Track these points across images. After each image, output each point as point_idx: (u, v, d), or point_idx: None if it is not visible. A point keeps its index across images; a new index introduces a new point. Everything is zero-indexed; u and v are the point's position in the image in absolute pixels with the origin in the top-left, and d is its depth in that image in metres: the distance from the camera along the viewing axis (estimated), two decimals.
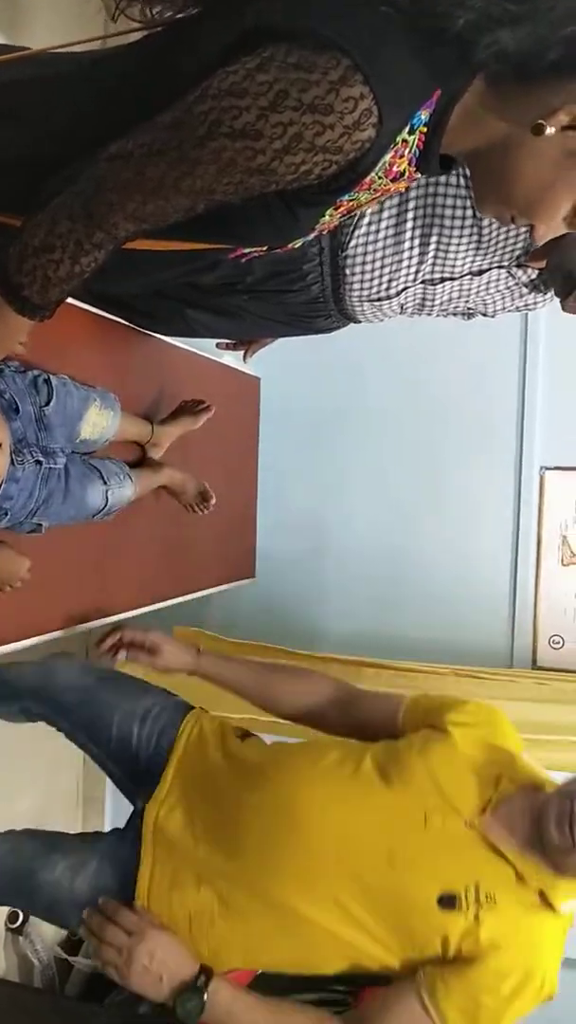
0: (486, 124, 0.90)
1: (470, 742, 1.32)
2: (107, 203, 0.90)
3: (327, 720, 1.47)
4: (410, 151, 0.93)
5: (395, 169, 0.95)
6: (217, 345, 2.04)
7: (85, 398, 1.47)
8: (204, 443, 2.07)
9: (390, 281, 1.56)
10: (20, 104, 1.01)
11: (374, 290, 1.58)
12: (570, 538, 2.63)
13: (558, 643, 2.63)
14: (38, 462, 1.32)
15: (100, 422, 1.52)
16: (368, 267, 1.54)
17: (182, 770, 1.42)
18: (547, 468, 2.64)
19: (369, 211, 1.47)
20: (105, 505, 1.51)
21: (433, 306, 1.63)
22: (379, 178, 0.94)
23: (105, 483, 1.50)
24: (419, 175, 0.99)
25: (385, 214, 1.49)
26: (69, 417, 1.42)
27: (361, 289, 1.58)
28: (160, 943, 1.24)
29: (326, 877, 1.22)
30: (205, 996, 1.19)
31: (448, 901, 1.19)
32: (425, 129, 0.91)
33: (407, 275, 1.55)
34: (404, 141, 0.91)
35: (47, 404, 1.35)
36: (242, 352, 2.01)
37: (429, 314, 1.67)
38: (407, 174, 0.97)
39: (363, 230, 1.51)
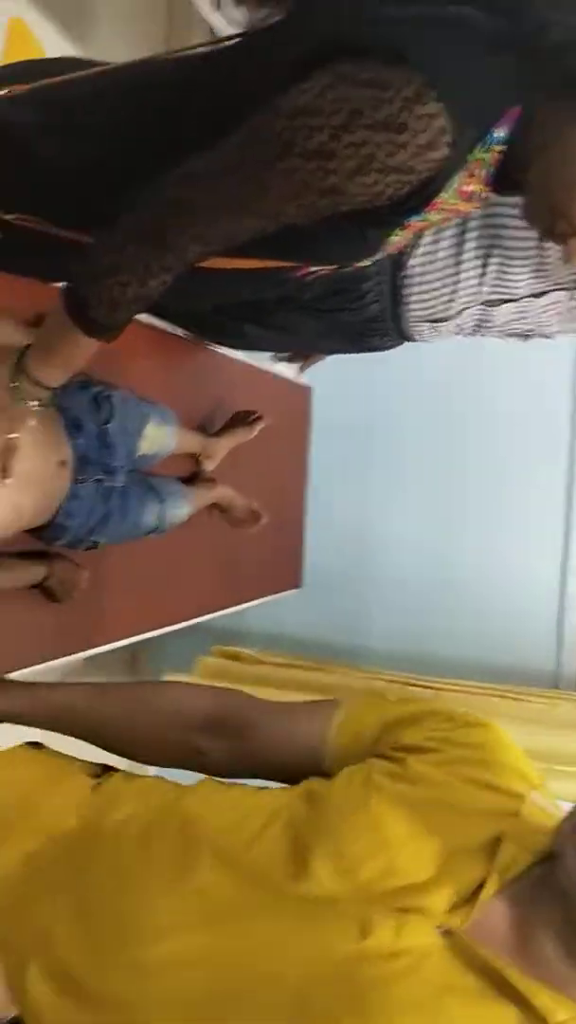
0: (561, 136, 0.86)
1: (444, 776, 0.79)
2: (176, 225, 0.89)
3: (211, 759, 0.92)
4: (484, 170, 0.91)
5: (467, 189, 0.93)
6: (272, 357, 2.04)
7: (144, 414, 1.48)
8: (255, 451, 2.07)
9: (449, 302, 1.55)
10: (78, 115, 1.01)
11: (433, 310, 1.58)
12: None
13: None
14: (98, 480, 1.33)
15: (158, 438, 1.53)
16: (428, 287, 1.54)
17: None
18: None
19: (430, 231, 1.47)
20: (160, 525, 1.52)
21: (491, 327, 1.62)
22: (451, 198, 0.93)
23: (162, 502, 1.51)
24: (492, 195, 0.97)
25: (446, 233, 1.48)
26: (128, 434, 1.43)
27: (420, 309, 1.57)
28: None
29: None
30: None
31: None
32: (501, 148, 0.89)
33: (467, 296, 1.54)
34: (479, 160, 0.89)
35: (108, 422, 1.36)
36: (296, 364, 2.01)
37: (486, 335, 1.66)
38: (481, 193, 0.96)
39: (423, 250, 1.50)
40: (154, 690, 1.02)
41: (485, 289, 1.52)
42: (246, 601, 2.26)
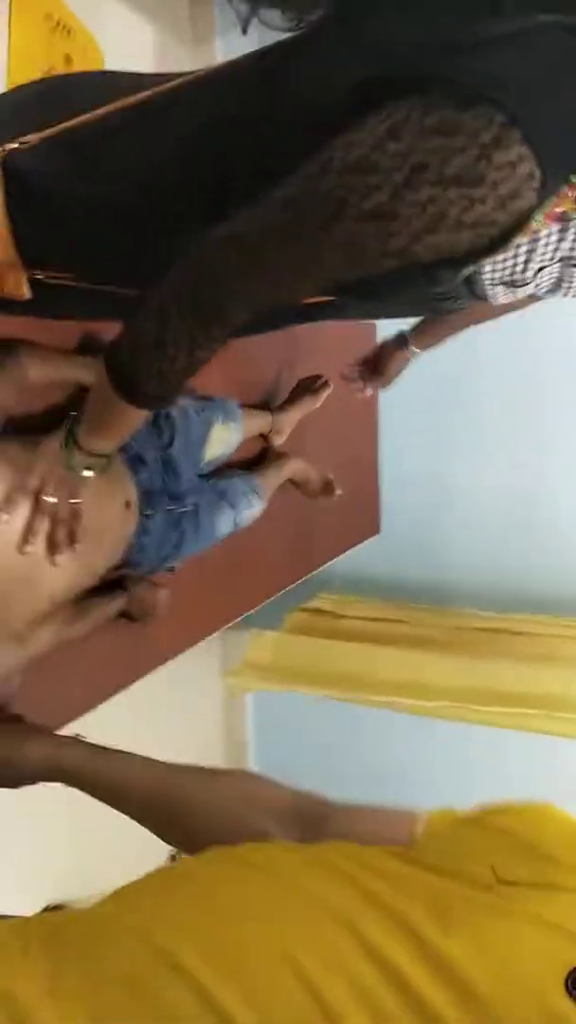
0: None
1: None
2: (219, 293, 0.80)
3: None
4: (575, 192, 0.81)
5: (557, 211, 0.82)
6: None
7: (207, 419, 1.41)
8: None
9: (526, 262, 1.40)
10: (105, 156, 0.90)
11: (508, 272, 1.43)
12: None
13: None
14: (168, 510, 1.28)
15: (223, 438, 1.47)
16: (503, 250, 1.39)
17: None
18: None
19: None
20: (235, 528, 1.47)
21: (570, 287, 1.46)
22: (536, 221, 0.82)
23: (233, 508, 1.45)
24: None
25: None
26: (193, 446, 1.37)
27: (493, 272, 1.43)
28: None
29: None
30: None
31: None
32: None
33: (543, 255, 1.39)
34: (570, 183, 0.79)
35: (170, 444, 1.30)
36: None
37: (564, 295, 1.51)
38: (570, 213, 0.85)
39: None
40: (233, 773, 0.97)
41: (565, 246, 1.37)
42: (326, 560, 2.21)
